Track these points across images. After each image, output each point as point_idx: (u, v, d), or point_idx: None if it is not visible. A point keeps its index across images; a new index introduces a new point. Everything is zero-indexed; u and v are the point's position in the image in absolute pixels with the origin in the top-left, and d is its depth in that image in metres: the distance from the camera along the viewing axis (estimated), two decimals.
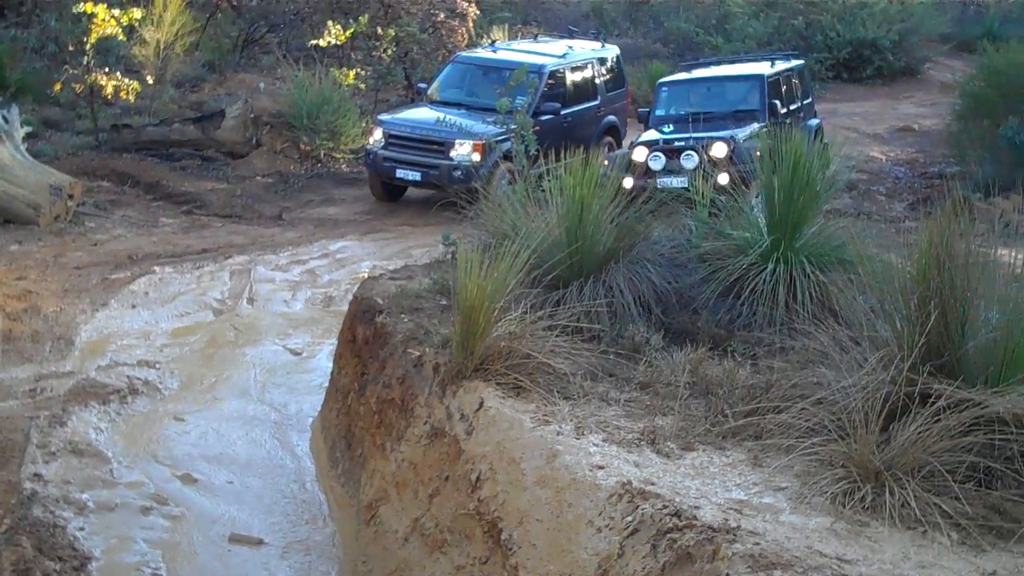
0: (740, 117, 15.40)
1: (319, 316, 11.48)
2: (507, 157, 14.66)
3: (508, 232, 7.85)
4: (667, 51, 26.21)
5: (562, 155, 9.50)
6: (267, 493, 7.98)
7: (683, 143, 14.52)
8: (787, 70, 16.84)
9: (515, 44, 18.40)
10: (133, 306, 11.30)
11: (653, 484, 5.08)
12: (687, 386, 6.29)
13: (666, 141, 14.76)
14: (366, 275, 11.94)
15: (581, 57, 17.06)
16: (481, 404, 6.23)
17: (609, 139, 17.11)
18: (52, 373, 9.29)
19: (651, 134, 15.21)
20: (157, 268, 12.55)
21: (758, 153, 12.56)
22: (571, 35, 19.11)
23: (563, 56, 16.63)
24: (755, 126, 14.76)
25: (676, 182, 13.51)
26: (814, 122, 16.99)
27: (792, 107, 16.30)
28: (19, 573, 6.07)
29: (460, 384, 6.52)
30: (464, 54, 17.68)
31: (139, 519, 7.44)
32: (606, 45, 18.34)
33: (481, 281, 6.42)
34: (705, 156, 14.03)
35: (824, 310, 6.86)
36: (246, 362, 10.27)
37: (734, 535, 4.49)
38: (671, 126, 15.35)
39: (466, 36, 20.83)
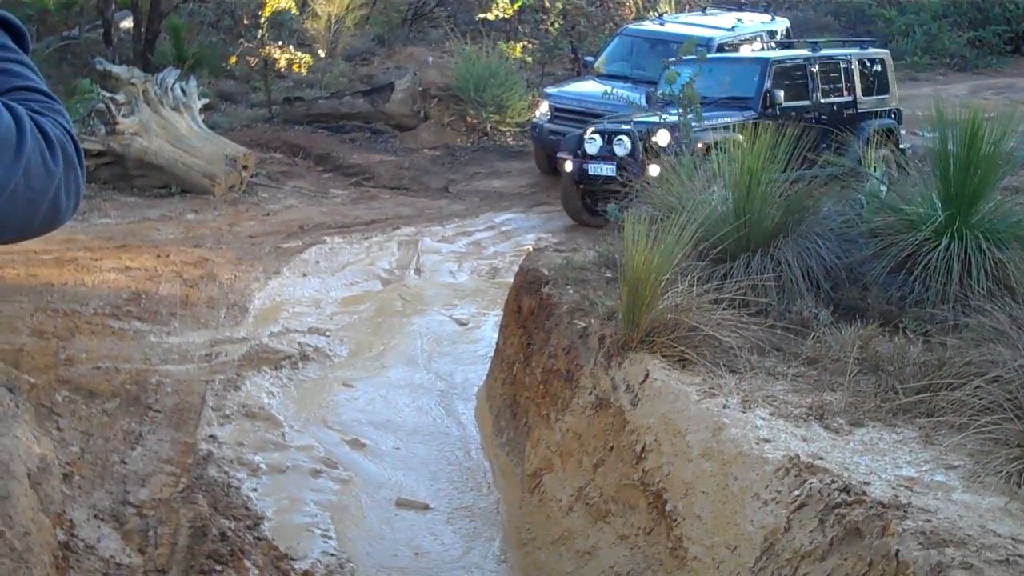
0: (736, 104, 13.80)
1: (484, 287, 11.60)
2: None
3: (674, 205, 7.83)
4: (838, 24, 25.68)
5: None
6: (432, 460, 8.08)
7: (616, 127, 13.53)
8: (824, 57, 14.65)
9: (683, 17, 18.28)
10: (304, 275, 11.57)
11: (821, 459, 5.03)
12: (856, 362, 6.18)
13: (610, 121, 13.78)
14: (531, 247, 12.04)
15: (750, 30, 16.86)
16: (647, 376, 6.24)
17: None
18: (227, 338, 9.55)
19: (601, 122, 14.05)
20: (327, 238, 12.82)
21: (700, 146, 11.92)
22: (740, 8, 18.89)
23: (732, 29, 16.46)
24: (728, 118, 13.21)
25: (605, 169, 13.12)
26: (880, 123, 14.61)
27: (833, 99, 14.42)
28: (196, 530, 6.24)
29: (626, 355, 6.53)
30: (631, 27, 17.63)
31: (309, 481, 7.59)
32: (776, 18, 18.08)
33: (648, 253, 6.42)
34: (642, 143, 12.98)
35: (1000, 287, 6.69)
36: (413, 331, 10.44)
37: (905, 512, 4.42)
38: (613, 88, 13.99)
39: (633, 9, 20.77)
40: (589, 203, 13.85)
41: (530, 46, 20.45)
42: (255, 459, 7.69)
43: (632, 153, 13.05)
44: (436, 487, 7.71)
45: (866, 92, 14.77)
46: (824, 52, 14.78)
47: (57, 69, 19.65)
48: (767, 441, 5.27)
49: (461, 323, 10.62)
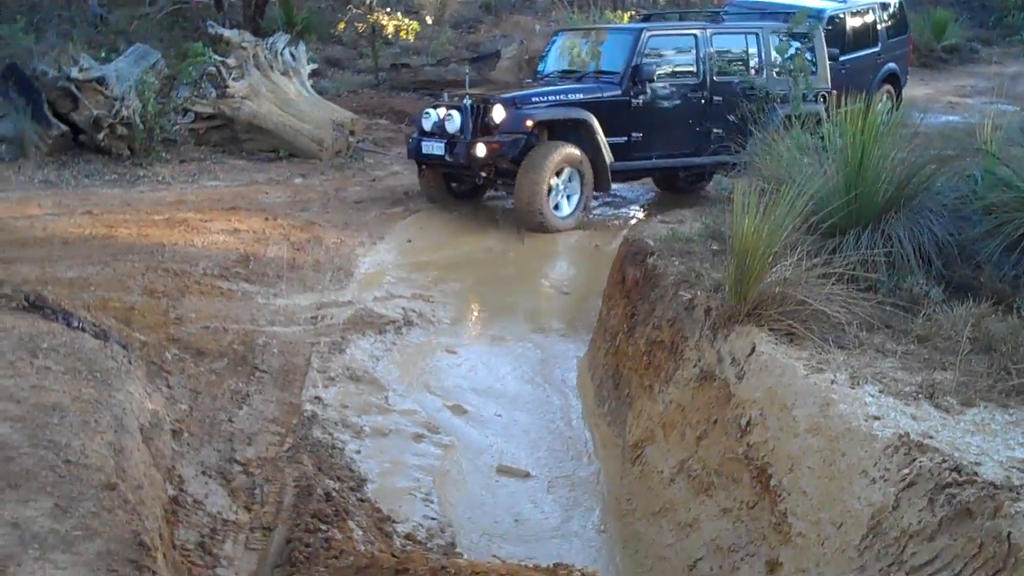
0: (601, 79, 12.98)
1: (589, 257, 11.57)
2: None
3: (784, 178, 7.73)
4: None
5: (840, 102, 9.27)
6: (534, 428, 8.08)
7: (451, 101, 12.82)
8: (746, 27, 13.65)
9: None
10: (409, 240, 11.66)
11: (931, 438, 4.94)
12: (968, 341, 6.06)
13: (451, 95, 13.28)
14: (638, 218, 12.03)
15: (862, 2, 16.56)
16: (753, 349, 6.17)
17: (888, 87, 16.56)
18: (332, 302, 9.64)
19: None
20: (429, 206, 12.90)
21: (529, 123, 11.95)
22: None
23: (844, 1, 16.18)
24: (582, 95, 12.59)
25: (435, 147, 12.50)
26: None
27: (734, 78, 13.21)
28: (301, 489, 6.33)
29: (732, 328, 6.47)
30: None
31: (411, 445, 7.63)
32: None
33: (757, 225, 6.35)
34: (476, 120, 12.35)
35: None
36: (515, 299, 10.46)
37: (1017, 493, 4.33)
38: (550, 82, 13.41)
39: None
40: (455, 187, 13.39)
41: (637, 15, 20.31)
42: (359, 421, 7.75)
43: (462, 129, 12.37)
44: (537, 455, 7.71)
45: (782, 72, 13.25)
46: (726, 24, 13.82)
47: (169, 32, 19.98)
48: (876, 418, 5.19)
49: (564, 292, 10.61)
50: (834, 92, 10.76)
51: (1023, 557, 4.06)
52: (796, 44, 12.08)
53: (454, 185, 13.32)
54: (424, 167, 12.99)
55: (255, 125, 14.26)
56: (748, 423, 5.92)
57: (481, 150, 12.05)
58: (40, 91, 12.84)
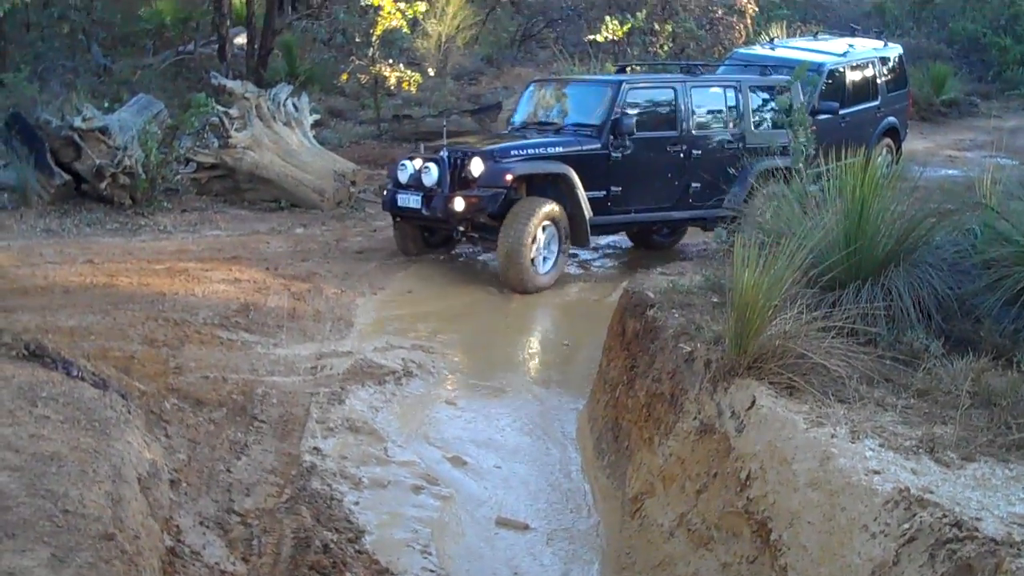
0: (580, 132, 12.64)
1: (589, 309, 11.58)
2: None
3: (783, 231, 7.75)
4: (951, 52, 25.35)
5: (839, 156, 9.29)
6: (533, 480, 8.06)
7: (428, 154, 12.40)
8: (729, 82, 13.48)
9: (794, 41, 18.14)
10: (408, 291, 11.68)
11: (932, 492, 4.93)
12: (968, 395, 6.06)
13: (427, 147, 12.75)
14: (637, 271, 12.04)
15: (862, 56, 16.66)
16: (753, 402, 6.17)
17: (888, 140, 16.61)
18: (332, 352, 9.63)
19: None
20: (432, 256, 12.92)
21: (509, 178, 11.72)
22: (853, 33, 18.70)
23: (843, 55, 16.29)
24: (561, 147, 12.29)
25: (412, 200, 12.14)
26: (774, 163, 12.15)
27: (711, 131, 13.08)
28: (299, 540, 6.30)
29: (732, 381, 6.47)
30: (741, 51, 17.52)
31: (410, 497, 7.60)
32: (889, 44, 17.85)
33: (758, 278, 6.37)
34: (453, 173, 12.03)
35: None
36: (515, 350, 10.47)
37: (1019, 549, 4.32)
38: (526, 134, 13.07)
39: (744, 33, 20.66)
40: (427, 236, 13.04)
41: (639, 69, 20.46)
42: (357, 473, 7.73)
43: (440, 182, 12.06)
44: (536, 507, 7.69)
45: (760, 124, 13.42)
46: (704, 77, 13.57)
47: (172, 83, 20.11)
48: (876, 472, 5.18)
49: (564, 343, 10.61)
50: (817, 150, 10.71)
51: None
52: (798, 99, 12.12)
53: (427, 235, 13.11)
54: (399, 219, 12.73)
55: (257, 175, 14.32)
56: (748, 477, 5.91)
57: (459, 204, 11.78)
58: (43, 140, 12.92)
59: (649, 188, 12.76)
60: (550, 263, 12.08)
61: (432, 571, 6.69)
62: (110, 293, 10.01)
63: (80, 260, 10.81)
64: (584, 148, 12.36)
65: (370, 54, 18.30)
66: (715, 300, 8.01)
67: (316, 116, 16.30)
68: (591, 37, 20.39)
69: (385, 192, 12.74)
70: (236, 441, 7.72)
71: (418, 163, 12.30)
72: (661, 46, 20.24)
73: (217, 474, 7.17)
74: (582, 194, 12.19)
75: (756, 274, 6.37)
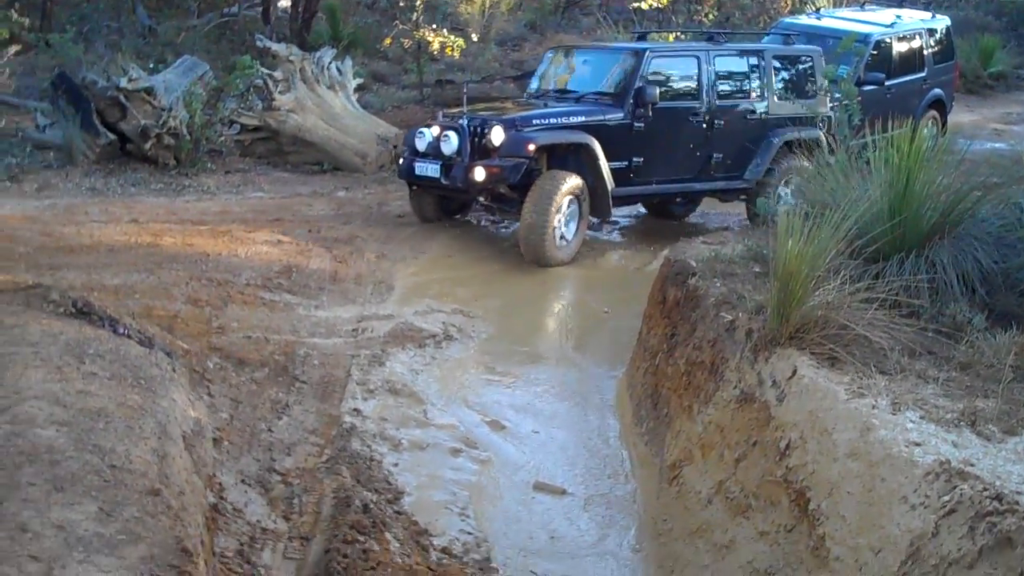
0: (601, 101, 12.40)
1: (629, 277, 11.59)
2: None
3: (828, 201, 7.72)
4: (999, 24, 25.04)
5: (885, 127, 9.22)
6: (571, 445, 8.09)
7: (448, 121, 12.14)
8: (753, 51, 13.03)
9: (840, 11, 17.97)
10: (449, 256, 11.71)
11: (972, 465, 4.92)
12: (1011, 369, 6.04)
13: (446, 114, 12.55)
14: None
15: (909, 27, 16.49)
16: (794, 372, 6.17)
17: (934, 112, 16.46)
18: (373, 315, 9.69)
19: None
20: (473, 220, 12.93)
21: (532, 147, 11.40)
22: (900, 4, 18.53)
23: (890, 25, 16.13)
24: (584, 117, 12.04)
25: (430, 169, 11.91)
26: (797, 133, 12.69)
27: (734, 102, 12.84)
28: (339, 500, 6.36)
29: (773, 351, 6.46)
30: (787, 20, 17.41)
31: (449, 460, 7.65)
32: (936, 15, 17.67)
33: (802, 247, 6.35)
34: (473, 142, 11.75)
35: None
36: (555, 316, 10.50)
37: None
38: (546, 102, 12.80)
39: (789, 2, 20.51)
40: (444, 203, 12.88)
41: (684, 37, 20.35)
42: (397, 434, 7.78)
43: (459, 151, 11.77)
44: (573, 473, 7.72)
45: (783, 96, 13.13)
46: (727, 45, 13.12)
47: (216, 44, 20.15)
48: (917, 444, 5.17)
49: (604, 311, 10.62)
50: (863, 120, 10.63)
51: None
52: (844, 68, 12.03)
53: (444, 202, 12.92)
54: (415, 187, 12.50)
55: (300, 138, 14.36)
56: (788, 446, 5.91)
57: (480, 174, 11.50)
58: (89, 100, 13.00)
59: (671, 159, 12.58)
60: (571, 237, 11.87)
61: (470, 533, 6.73)
62: (154, 252, 10.09)
63: (125, 219, 10.90)
64: (606, 118, 12.09)
65: (414, 19, 18.26)
66: (757, 270, 7.99)
67: (359, 80, 16.33)
68: (636, 4, 20.27)
69: (401, 160, 12.50)
70: (277, 401, 7.80)
71: (436, 131, 12.06)
72: (706, 14, 20.12)
73: (259, 433, 7.25)
74: (605, 165, 11.95)
75: (800, 244, 6.35)
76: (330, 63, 15.36)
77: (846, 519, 5.27)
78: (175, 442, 5.29)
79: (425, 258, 11.46)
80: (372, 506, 6.41)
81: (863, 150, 9.09)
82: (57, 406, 5.02)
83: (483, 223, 13.02)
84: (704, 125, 12.58)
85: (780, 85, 13.06)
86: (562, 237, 11.73)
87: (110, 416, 5.09)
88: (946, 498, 4.74)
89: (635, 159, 12.29)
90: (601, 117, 12.05)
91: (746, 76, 12.94)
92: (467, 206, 13.02)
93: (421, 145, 12.09)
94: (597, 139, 11.87)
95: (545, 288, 11.12)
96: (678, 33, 17.67)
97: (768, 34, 16.40)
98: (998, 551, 4.39)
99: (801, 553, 5.59)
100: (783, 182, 12.69)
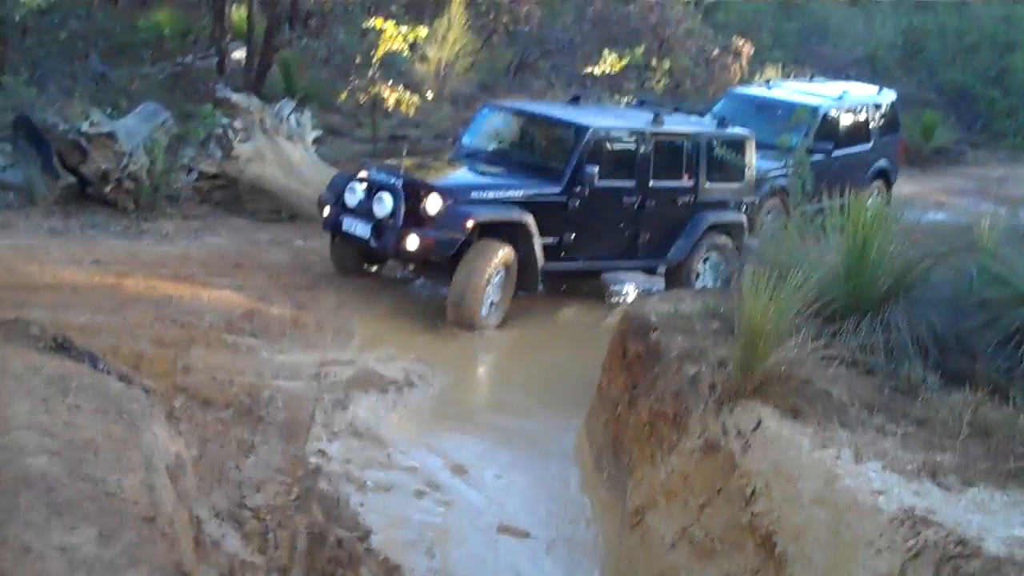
0: (538, 174, 11.97)
1: (585, 331, 11.78)
2: (774, 192, 14.67)
3: (786, 262, 7.96)
4: (941, 101, 25.72)
5: (832, 195, 9.50)
6: (532, 491, 8.26)
7: (383, 179, 11.48)
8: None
9: (790, 83, 18.43)
10: (407, 306, 11.83)
11: (934, 513, 5.15)
12: (968, 425, 6.29)
13: (380, 167, 11.92)
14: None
15: (857, 100, 16.95)
16: (759, 423, 6.38)
17: (879, 182, 16.90)
18: (335, 360, 9.79)
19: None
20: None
21: (469, 224, 10.93)
22: (847, 78, 19.03)
23: (839, 98, 16.57)
24: (521, 191, 11.59)
25: (360, 228, 11.35)
26: (722, 217, 12.78)
27: (668, 183, 12.51)
28: (314, 536, 6.48)
29: (737, 403, 6.67)
30: (738, 90, 17.79)
31: (413, 501, 7.80)
32: (883, 90, 18.17)
33: (766, 305, 6.58)
34: (408, 206, 11.17)
35: None
36: (514, 367, 10.66)
37: (1021, 568, 4.54)
38: (481, 166, 12.38)
39: (739, 72, 20.96)
40: (359, 262, 12.42)
41: (634, 101, 20.72)
42: (362, 476, 7.93)
43: (393, 214, 11.18)
44: (536, 517, 7.88)
45: (714, 179, 12.88)
46: (666, 127, 12.63)
47: (170, 93, 20.18)
48: (881, 493, 5.40)
49: (561, 361, 10.79)
50: (815, 188, 10.99)
51: None
52: (797, 139, 12.38)
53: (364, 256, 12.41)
54: (338, 238, 11.99)
55: (258, 187, 14.47)
56: (753, 493, 6.12)
57: (413, 243, 11.00)
58: (50, 142, 13.05)
59: (601, 237, 12.30)
60: (499, 302, 11.48)
61: (437, 572, 6.89)
62: (118, 294, 10.15)
63: (87, 260, 10.94)
64: (543, 193, 11.72)
65: (370, 75, 18.44)
66: (716, 326, 8.21)
67: (318, 132, 16.47)
68: (588, 69, 20.58)
69: (326, 210, 11.88)
70: (244, 440, 7.91)
71: (363, 186, 11.57)
72: (657, 81, 20.51)
73: (228, 471, 7.36)
74: (538, 242, 11.60)
75: (764, 303, 6.58)
76: (289, 115, 15.51)
77: (813, 562, 5.47)
78: (160, 474, 5.39)
79: (383, 307, 11.57)
80: (345, 542, 6.52)
81: (816, 215, 9.41)
82: (46, 436, 5.10)
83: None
84: (636, 206, 12.36)
85: (712, 168, 12.82)
86: (491, 304, 11.38)
87: (98, 447, 5.19)
88: (911, 542, 4.96)
89: (566, 236, 11.95)
90: (537, 192, 11.71)
91: (681, 158, 12.67)
92: (385, 260, 12.45)
93: (351, 201, 11.58)
94: (532, 214, 11.54)
95: (503, 340, 11.27)
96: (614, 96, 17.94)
97: (722, 99, 16.85)
98: None
99: None
100: (702, 259, 12.82)
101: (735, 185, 13.08)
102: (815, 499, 5.63)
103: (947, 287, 8.02)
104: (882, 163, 17.01)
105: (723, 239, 12.94)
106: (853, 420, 6.37)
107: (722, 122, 13.40)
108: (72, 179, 13.14)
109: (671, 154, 12.58)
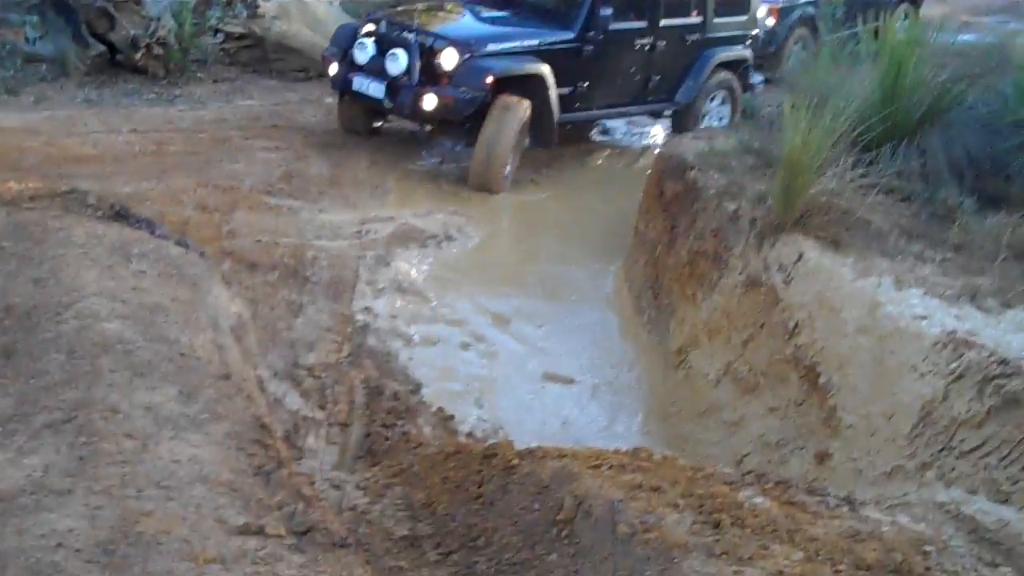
0: (549, 18, 11.46)
1: (618, 175, 11.86)
2: (803, 22, 14.55)
3: (821, 92, 7.99)
4: None
5: (866, 19, 9.43)
6: (575, 337, 8.44)
7: (395, 32, 10.93)
8: None
9: None
10: (438, 159, 11.90)
11: (976, 335, 5.31)
12: (1006, 247, 6.41)
13: (390, 23, 11.18)
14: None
15: None
16: (800, 255, 6.52)
17: (906, 5, 16.64)
18: (374, 217, 9.90)
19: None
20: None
21: (490, 80, 10.43)
22: None
23: None
24: (534, 40, 11.04)
25: (373, 88, 10.81)
26: (728, 52, 12.40)
27: (678, 21, 11.99)
28: (371, 390, 6.70)
29: (778, 236, 6.80)
30: None
31: (460, 353, 7.99)
32: None
33: (805, 137, 6.66)
34: (421, 62, 10.65)
35: None
36: (550, 217, 10.77)
37: None
38: (487, 12, 11.77)
39: None
40: (372, 122, 12.00)
41: None
42: (408, 331, 8.11)
43: (408, 72, 10.65)
44: (579, 363, 8.08)
45: (720, 13, 12.42)
46: None
47: None
48: (923, 318, 5.55)
49: (597, 208, 10.88)
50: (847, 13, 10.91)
51: None
52: None
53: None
54: (347, 96, 11.42)
55: (285, 45, 14.43)
56: (796, 326, 6.28)
57: (431, 102, 10.50)
58: (77, 11, 13.04)
59: (614, 83, 11.86)
60: (511, 166, 11.11)
61: (487, 420, 7.11)
62: (159, 161, 10.27)
63: (125, 129, 11.03)
64: (557, 41, 11.14)
65: None
66: (752, 162, 8.29)
67: None
68: None
69: (333, 67, 11.33)
70: (292, 301, 8.08)
71: (372, 41, 11.01)
72: None
73: (279, 332, 7.56)
74: (555, 95, 11.13)
75: (805, 134, 6.65)
76: None
77: (857, 390, 5.65)
78: (227, 334, 5.59)
79: (420, 160, 11.65)
80: (400, 395, 6.74)
81: (848, 41, 9.39)
82: (117, 302, 5.28)
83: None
84: (648, 48, 11.88)
85: (717, 3, 12.34)
86: (507, 167, 11.01)
87: (167, 310, 5.37)
88: (954, 365, 5.13)
89: (580, 84, 11.49)
90: (551, 39, 11.13)
91: None
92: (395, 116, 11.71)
93: (361, 58, 11.01)
94: (547, 63, 11.03)
95: (537, 188, 11.35)
96: None
97: None
98: (1005, 410, 4.79)
99: (812, 424, 5.98)
100: (709, 98, 12.52)
101: (740, 18, 12.65)
102: (858, 328, 5.79)
103: (982, 108, 8.04)
104: None
105: (730, 77, 12.57)
106: (892, 248, 6.50)
107: None
108: (102, 48, 13.15)
109: None
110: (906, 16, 15.81)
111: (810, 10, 13.82)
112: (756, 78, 12.65)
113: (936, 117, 7.74)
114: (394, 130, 12.26)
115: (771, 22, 14.50)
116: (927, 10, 17.80)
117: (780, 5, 14.39)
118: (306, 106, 13.16)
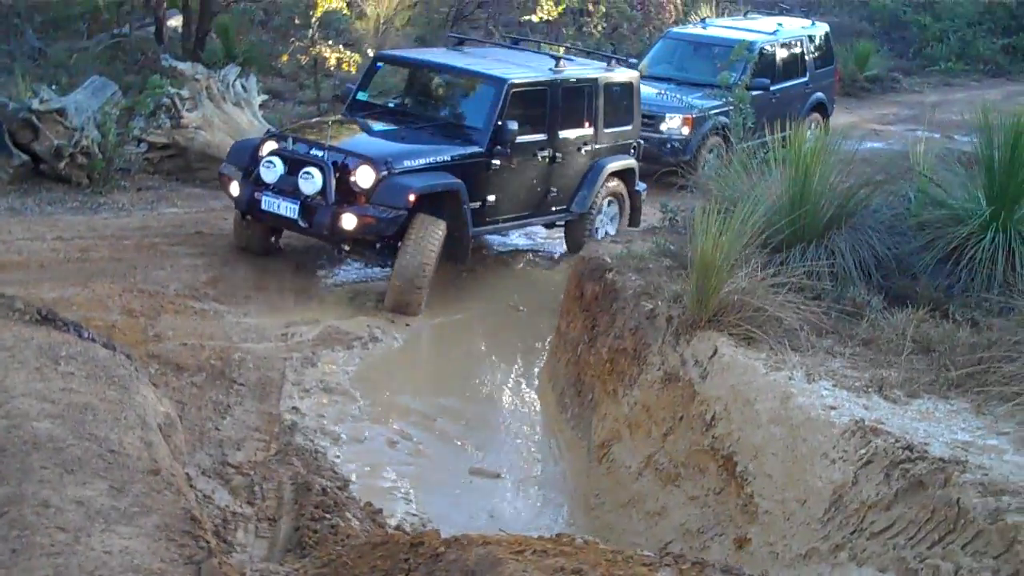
0: (458, 132, 11.28)
1: (537, 279, 12.08)
2: (715, 131, 15.01)
3: (732, 197, 8.32)
4: (873, 30, 26.12)
5: (774, 129, 9.81)
6: (500, 434, 8.67)
7: (304, 151, 10.51)
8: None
9: (724, 21, 18.71)
10: (363, 266, 12.06)
11: (883, 424, 5.56)
12: (910, 342, 6.70)
13: (297, 140, 10.72)
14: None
15: (791, 35, 17.24)
16: (715, 351, 6.77)
17: (816, 115, 17.25)
18: (300, 320, 10.04)
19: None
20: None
21: (411, 198, 10.06)
22: (780, 12, 19.32)
23: (773, 33, 16.85)
24: (444, 155, 10.77)
25: (285, 208, 10.33)
26: (616, 161, 12.29)
27: (572, 132, 11.86)
28: (299, 485, 6.79)
29: (694, 334, 7.06)
30: (675, 30, 18.05)
31: (387, 451, 8.15)
32: (816, 23, 18.49)
33: (716, 240, 6.94)
34: (334, 179, 10.21)
35: None
36: (474, 317, 10.94)
37: (964, 467, 4.95)
38: (390, 127, 11.59)
39: (674, 13, 21.22)
40: (271, 239, 11.51)
41: (573, 47, 20.91)
42: (336, 429, 8.24)
43: (323, 192, 10.19)
44: (505, 458, 8.28)
45: (609, 123, 12.34)
46: (570, 72, 11.99)
47: (109, 66, 20.16)
48: (832, 408, 5.80)
49: (518, 310, 11.07)
50: (755, 123, 11.33)
51: (971, 519, 4.66)
52: (735, 74, 12.68)
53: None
54: (247, 218, 11.06)
55: (208, 154, 14.57)
56: (713, 418, 6.51)
57: (350, 222, 10.11)
58: (1, 122, 13.13)
59: (519, 195, 11.66)
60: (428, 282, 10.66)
61: (415, 515, 7.23)
62: (84, 267, 10.34)
63: (49, 236, 11.09)
64: (468, 155, 10.93)
65: (310, 35, 18.54)
66: (668, 264, 8.56)
67: (264, 97, 16.60)
68: (525, 17, 20.73)
69: (234, 186, 10.92)
70: (219, 402, 8.21)
71: (281, 160, 10.53)
72: (595, 26, 20.72)
73: (208, 431, 7.69)
74: (468, 210, 10.89)
75: (716, 237, 6.94)
76: (235, 80, 15.64)
77: (772, 477, 5.86)
78: (155, 431, 5.68)
79: (344, 266, 11.80)
80: (328, 490, 6.84)
81: (758, 151, 9.76)
82: (46, 402, 5.37)
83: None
84: (548, 160, 11.72)
85: (607, 113, 12.28)
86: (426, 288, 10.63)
87: (96, 409, 5.46)
88: (863, 451, 5.37)
89: (488, 198, 11.24)
90: (461, 153, 10.91)
91: (582, 104, 12.04)
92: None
93: (269, 177, 10.51)
94: (459, 178, 10.83)
95: (459, 291, 11.51)
96: (494, 37, 18.05)
97: (659, 41, 17.14)
98: (912, 493, 5.02)
99: (731, 511, 6.18)
100: (600, 208, 12.39)
101: (626, 128, 12.60)
102: (771, 418, 6.01)
103: (886, 212, 8.43)
104: (819, 95, 17.35)
105: (619, 186, 12.54)
106: (804, 343, 6.78)
107: (609, 63, 12.92)
108: (25, 157, 13.22)
109: (574, 101, 11.94)
110: (815, 125, 16.57)
111: (723, 119, 14.25)
112: (640, 185, 12.68)
113: (843, 220, 8.09)
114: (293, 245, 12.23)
115: (686, 131, 14.96)
116: (836, 119, 18.47)
117: (694, 115, 14.83)
118: (230, 213, 13.22)
